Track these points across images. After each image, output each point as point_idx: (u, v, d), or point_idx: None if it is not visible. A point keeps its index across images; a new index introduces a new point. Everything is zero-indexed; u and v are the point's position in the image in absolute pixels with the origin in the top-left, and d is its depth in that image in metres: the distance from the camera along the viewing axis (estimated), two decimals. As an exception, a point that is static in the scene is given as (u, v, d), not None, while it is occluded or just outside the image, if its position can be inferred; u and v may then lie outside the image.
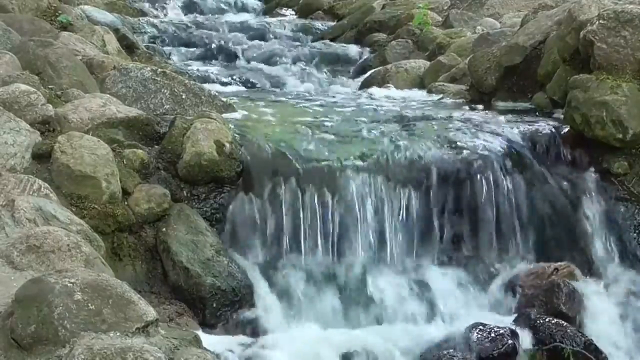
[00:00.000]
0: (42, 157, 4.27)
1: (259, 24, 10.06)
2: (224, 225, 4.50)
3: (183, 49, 8.77)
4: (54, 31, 6.26)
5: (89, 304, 2.85)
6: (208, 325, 4.12)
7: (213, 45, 8.89)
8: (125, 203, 4.32)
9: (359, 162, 4.70)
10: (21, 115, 4.40)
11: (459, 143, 4.93)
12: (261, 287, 4.32)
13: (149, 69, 5.56)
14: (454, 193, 4.74)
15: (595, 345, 4.15)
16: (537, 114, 5.56)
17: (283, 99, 6.51)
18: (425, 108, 5.94)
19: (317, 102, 6.21)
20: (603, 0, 5.35)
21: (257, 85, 7.78)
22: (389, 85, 7.25)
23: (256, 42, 9.23)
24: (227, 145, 4.59)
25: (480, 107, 5.90)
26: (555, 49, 5.59)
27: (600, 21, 4.99)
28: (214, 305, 4.15)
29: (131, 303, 2.94)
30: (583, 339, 4.15)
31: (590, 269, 4.69)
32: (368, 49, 8.98)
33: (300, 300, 4.35)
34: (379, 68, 7.83)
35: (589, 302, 4.45)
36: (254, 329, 4.18)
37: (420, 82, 7.21)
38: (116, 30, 7.42)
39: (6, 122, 4.26)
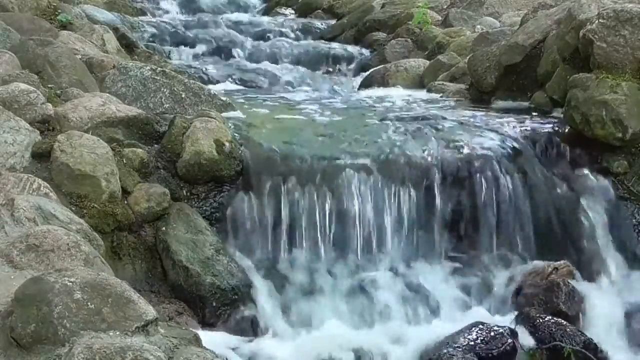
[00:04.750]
0: (41, 156, 4.27)
1: (259, 23, 10.06)
2: (224, 224, 4.51)
3: (182, 48, 8.78)
4: (53, 30, 6.26)
5: (89, 303, 2.85)
6: (208, 324, 4.12)
7: (213, 44, 8.90)
8: (125, 202, 4.32)
9: (359, 161, 4.70)
10: (21, 114, 4.40)
11: (458, 142, 4.93)
12: (261, 286, 4.32)
13: (148, 68, 5.56)
14: (453, 192, 4.74)
15: (595, 344, 4.15)
16: (537, 113, 5.56)
17: (282, 98, 6.51)
18: (425, 107, 5.94)
19: (317, 101, 6.21)
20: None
21: (257, 84, 7.78)
22: (388, 84, 7.26)
23: (256, 41, 9.24)
24: (227, 144, 4.59)
25: (480, 106, 5.91)
26: (554, 48, 5.60)
27: (600, 20, 4.99)
28: (214, 304, 4.15)
29: (131, 302, 2.94)
30: (582, 338, 4.15)
31: (590, 268, 4.68)
32: (367, 48, 8.98)
33: (300, 300, 4.35)
34: (378, 67, 7.84)
35: (588, 301, 4.45)
36: (253, 328, 4.18)
37: (420, 81, 7.21)
38: (116, 29, 7.43)
39: (6, 121, 4.26)
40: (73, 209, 4.05)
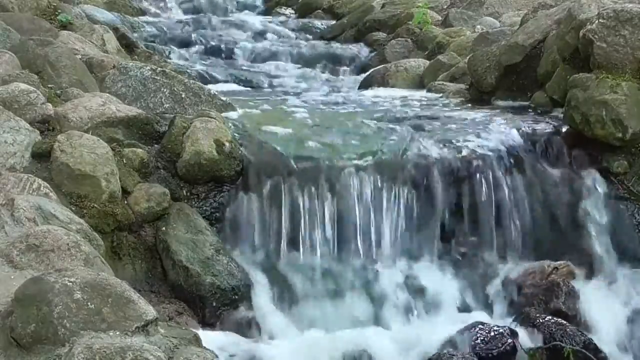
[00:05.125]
0: (41, 156, 4.27)
1: (259, 23, 10.07)
2: (224, 224, 4.51)
3: (182, 48, 8.78)
4: (53, 30, 6.26)
5: (89, 303, 2.85)
6: (208, 324, 4.12)
7: (212, 44, 8.90)
8: (125, 202, 4.32)
9: (359, 161, 4.70)
10: (21, 114, 4.40)
11: (458, 142, 4.93)
12: (261, 286, 4.32)
13: (148, 68, 5.56)
14: (453, 192, 4.74)
15: (595, 344, 4.15)
16: (537, 113, 5.56)
17: (282, 98, 6.51)
18: (425, 107, 5.94)
19: (316, 101, 6.21)
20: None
21: (257, 85, 7.79)
22: (388, 84, 7.26)
23: (256, 41, 9.25)
24: (227, 144, 4.59)
25: (480, 106, 5.90)
26: (554, 48, 5.60)
27: (600, 20, 4.99)
28: (214, 304, 4.15)
29: (131, 302, 2.94)
30: (582, 338, 4.15)
31: (590, 268, 4.68)
32: (368, 48, 8.98)
33: (300, 300, 4.35)
34: (378, 67, 7.84)
35: (588, 301, 4.45)
36: (253, 328, 4.18)
37: (420, 81, 7.21)
38: (116, 29, 7.43)
39: (6, 121, 4.26)
40: (73, 209, 4.05)
